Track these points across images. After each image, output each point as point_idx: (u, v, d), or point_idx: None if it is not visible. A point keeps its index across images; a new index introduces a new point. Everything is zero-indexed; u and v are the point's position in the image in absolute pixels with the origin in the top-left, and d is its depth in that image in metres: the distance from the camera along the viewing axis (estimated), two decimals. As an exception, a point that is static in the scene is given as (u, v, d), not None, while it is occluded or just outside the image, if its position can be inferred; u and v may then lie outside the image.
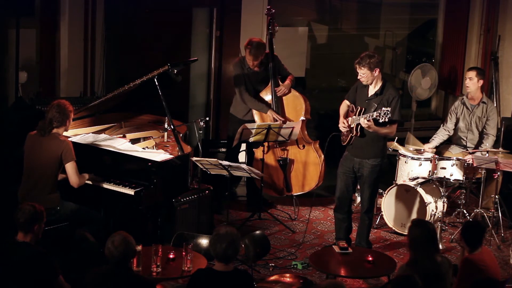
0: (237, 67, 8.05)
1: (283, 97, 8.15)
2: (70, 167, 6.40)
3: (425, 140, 8.37)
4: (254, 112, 8.08)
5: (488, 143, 8.04)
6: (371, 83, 6.87)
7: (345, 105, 7.11)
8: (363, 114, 6.76)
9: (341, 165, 7.10)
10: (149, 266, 5.69)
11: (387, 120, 6.57)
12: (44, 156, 6.36)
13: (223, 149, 8.58)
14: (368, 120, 6.66)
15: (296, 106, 8.16)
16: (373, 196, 7.10)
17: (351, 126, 6.89)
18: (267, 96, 8.12)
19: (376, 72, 6.77)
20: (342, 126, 6.96)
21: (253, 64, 7.97)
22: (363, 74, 6.78)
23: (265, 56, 8.11)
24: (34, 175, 6.39)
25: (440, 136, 8.25)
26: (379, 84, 6.86)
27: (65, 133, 6.90)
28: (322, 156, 8.12)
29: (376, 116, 6.59)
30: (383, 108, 6.57)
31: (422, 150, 8.02)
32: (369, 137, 6.86)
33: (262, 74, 8.10)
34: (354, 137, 6.91)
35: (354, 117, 6.86)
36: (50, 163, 6.36)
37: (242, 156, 8.44)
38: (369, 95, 6.89)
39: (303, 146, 8.18)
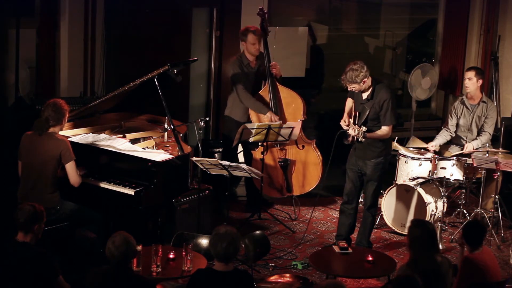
0: (235, 66, 7.99)
1: (282, 98, 8.13)
2: (71, 167, 6.40)
3: (425, 140, 8.36)
4: (251, 113, 8.05)
5: (482, 140, 8.04)
6: (363, 91, 6.96)
7: (349, 102, 7.21)
8: (358, 119, 6.87)
9: (348, 161, 7.21)
10: (149, 266, 5.69)
11: (363, 140, 6.73)
12: (42, 155, 6.36)
13: (220, 149, 8.57)
14: (354, 134, 6.80)
15: (295, 106, 8.15)
16: (376, 193, 7.16)
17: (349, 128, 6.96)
18: (265, 97, 8.11)
19: (365, 82, 6.86)
20: (343, 123, 6.99)
21: (256, 50, 7.94)
22: (353, 87, 6.91)
23: (260, 56, 8.12)
24: (32, 175, 6.39)
25: (443, 136, 8.25)
26: (370, 89, 6.93)
27: (66, 133, 6.93)
28: (320, 155, 8.12)
29: (356, 134, 6.72)
30: (362, 128, 6.69)
31: (423, 150, 8.03)
32: (369, 140, 6.91)
33: (256, 76, 8.08)
34: (354, 142, 7.01)
35: (350, 124, 6.92)
36: (49, 162, 6.36)
37: (241, 156, 8.43)
38: (363, 99, 7.00)
39: (303, 146, 8.18)
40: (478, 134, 8.15)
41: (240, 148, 8.30)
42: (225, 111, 8.23)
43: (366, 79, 6.84)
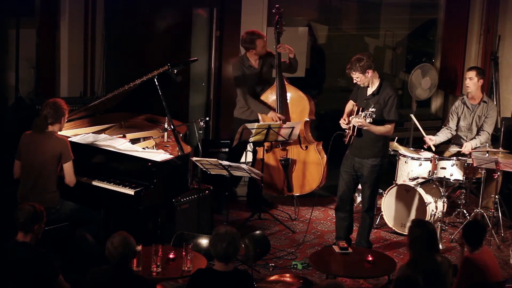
0: (236, 68, 8.01)
1: (289, 97, 8.13)
2: (69, 167, 6.40)
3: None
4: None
5: (481, 139, 8.03)
6: (368, 85, 6.92)
7: (350, 104, 7.17)
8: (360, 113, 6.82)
9: (343, 164, 7.14)
10: (149, 266, 5.69)
11: (371, 120, 6.63)
12: (42, 155, 6.35)
13: (224, 149, 8.56)
14: (359, 120, 6.71)
15: (300, 106, 8.15)
16: (373, 195, 7.11)
17: (350, 125, 6.93)
18: (271, 96, 8.10)
19: (369, 74, 6.83)
20: (343, 122, 6.99)
21: (266, 50, 7.95)
22: (356, 78, 6.88)
23: (270, 54, 8.12)
24: (32, 175, 6.38)
25: (443, 134, 8.24)
26: (376, 84, 6.92)
27: (66, 133, 6.92)
28: (325, 157, 8.11)
29: (363, 116, 6.64)
30: (370, 109, 6.61)
31: (423, 150, 8.04)
32: (368, 137, 6.89)
33: (260, 75, 8.09)
34: (353, 137, 6.94)
35: (352, 116, 6.91)
36: (49, 162, 6.35)
37: (248, 155, 8.45)
38: (368, 95, 6.94)
39: (306, 147, 8.18)
40: (477, 133, 8.15)
41: (249, 147, 8.31)
42: (234, 112, 8.24)
43: (370, 70, 6.81)
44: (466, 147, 7.98)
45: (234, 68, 8.06)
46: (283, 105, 8.08)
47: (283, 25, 8.08)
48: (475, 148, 7.98)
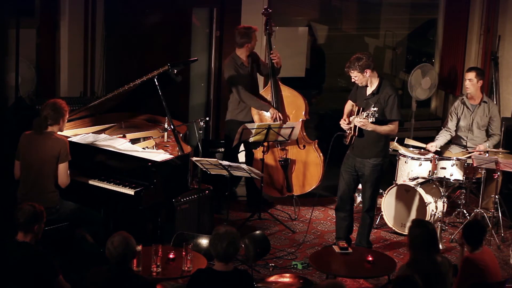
0: (229, 67, 7.97)
1: (284, 97, 8.14)
2: (64, 168, 6.39)
3: (425, 140, 8.35)
4: (253, 112, 8.06)
5: (493, 141, 8.05)
6: (366, 84, 6.92)
7: (349, 104, 7.16)
8: (361, 113, 6.81)
9: (344, 164, 7.13)
10: (149, 266, 5.69)
11: (374, 120, 6.63)
12: (41, 155, 6.35)
13: (223, 149, 8.57)
14: (361, 120, 6.71)
15: (296, 106, 8.16)
16: (374, 195, 7.11)
17: (351, 126, 6.92)
18: (267, 96, 8.12)
19: (367, 73, 6.83)
20: (343, 123, 6.99)
21: (253, 47, 7.95)
22: (355, 77, 6.89)
23: (256, 55, 8.12)
24: (32, 174, 6.38)
25: (443, 137, 8.25)
26: (375, 84, 6.92)
27: (66, 133, 6.92)
28: (322, 155, 8.12)
29: (365, 116, 6.64)
30: (371, 108, 6.61)
31: (423, 150, 8.04)
32: (369, 137, 6.88)
33: (252, 75, 8.09)
34: (354, 137, 6.94)
35: (352, 117, 6.91)
36: (48, 162, 6.35)
37: (241, 156, 8.44)
38: (367, 95, 6.94)
39: (304, 146, 8.18)
40: (488, 136, 8.13)
41: (241, 147, 8.30)
42: (226, 116, 8.20)
43: (368, 69, 6.81)
44: (480, 148, 7.96)
45: (227, 68, 8.01)
46: (279, 105, 8.08)
47: (272, 26, 8.11)
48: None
